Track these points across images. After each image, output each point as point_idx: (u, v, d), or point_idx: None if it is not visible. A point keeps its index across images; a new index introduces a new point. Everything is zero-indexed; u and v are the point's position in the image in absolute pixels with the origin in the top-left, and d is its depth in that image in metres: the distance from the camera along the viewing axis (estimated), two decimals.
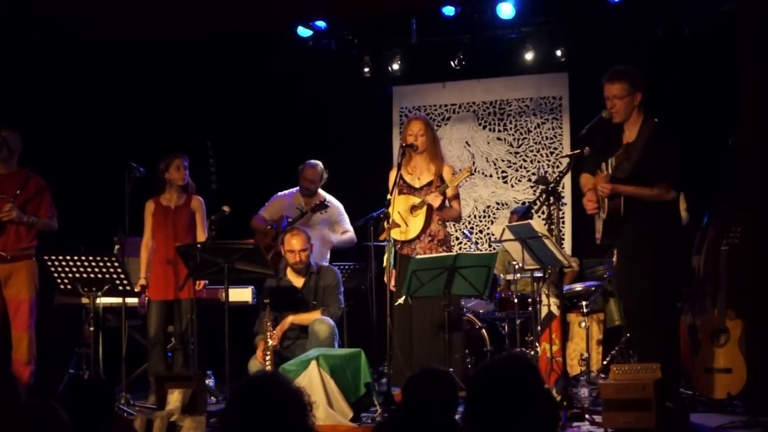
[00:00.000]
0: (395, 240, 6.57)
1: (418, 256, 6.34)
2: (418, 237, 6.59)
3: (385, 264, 6.58)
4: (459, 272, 6.05)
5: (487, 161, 9.38)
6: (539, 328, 6.90)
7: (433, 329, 6.42)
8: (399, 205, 6.59)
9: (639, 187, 5.62)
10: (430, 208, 6.57)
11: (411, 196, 6.64)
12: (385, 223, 6.40)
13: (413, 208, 6.60)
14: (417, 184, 6.68)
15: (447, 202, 6.65)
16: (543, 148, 9.21)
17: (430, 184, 6.64)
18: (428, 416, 2.76)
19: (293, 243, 6.85)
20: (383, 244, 6.63)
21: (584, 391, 6.27)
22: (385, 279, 6.59)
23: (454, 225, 9.20)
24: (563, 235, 8.57)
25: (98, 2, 7.95)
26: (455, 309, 6.49)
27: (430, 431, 2.79)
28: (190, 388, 5.87)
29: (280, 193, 8.09)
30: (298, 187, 7.96)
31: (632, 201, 5.65)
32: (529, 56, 8.70)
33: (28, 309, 6.70)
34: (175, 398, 5.81)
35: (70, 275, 6.50)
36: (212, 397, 7.06)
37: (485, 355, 7.37)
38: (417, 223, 6.59)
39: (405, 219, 6.59)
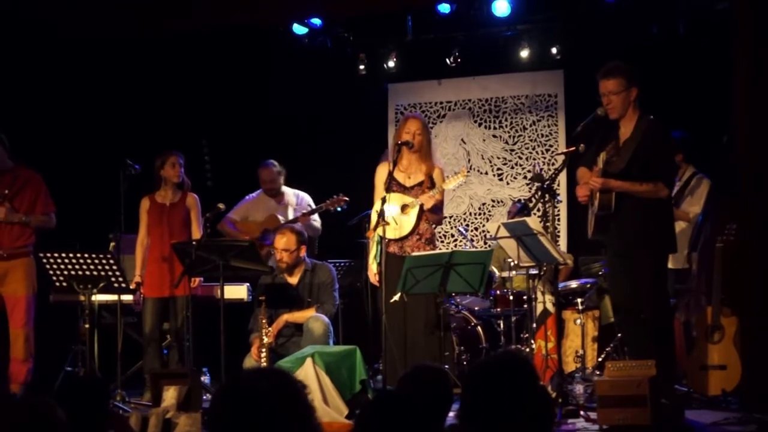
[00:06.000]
0: (382, 237, 6.56)
1: (414, 254, 6.34)
2: (408, 235, 6.59)
3: (370, 261, 6.59)
4: (454, 269, 6.06)
5: (483, 158, 9.38)
6: (534, 325, 6.90)
7: (427, 327, 6.43)
8: (390, 202, 6.59)
9: (631, 183, 5.61)
10: (421, 207, 6.57)
11: (402, 194, 6.63)
12: (381, 220, 6.38)
13: (404, 207, 6.59)
14: (408, 183, 6.68)
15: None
16: (538, 146, 9.21)
17: (421, 183, 6.65)
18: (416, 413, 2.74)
19: (281, 242, 6.84)
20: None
21: (579, 388, 6.28)
22: (369, 274, 6.61)
23: (449, 222, 9.22)
24: (558, 232, 8.55)
25: (93, 0, 7.95)
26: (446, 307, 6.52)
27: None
28: (186, 386, 5.86)
29: (247, 196, 8.21)
30: (261, 189, 8.17)
31: (624, 197, 5.64)
32: (524, 53, 8.70)
33: (25, 306, 6.70)
34: (170, 395, 5.80)
35: (65, 272, 6.49)
36: (208, 395, 7.05)
37: (480, 353, 7.37)
38: (408, 221, 6.59)
39: (395, 217, 6.58)
